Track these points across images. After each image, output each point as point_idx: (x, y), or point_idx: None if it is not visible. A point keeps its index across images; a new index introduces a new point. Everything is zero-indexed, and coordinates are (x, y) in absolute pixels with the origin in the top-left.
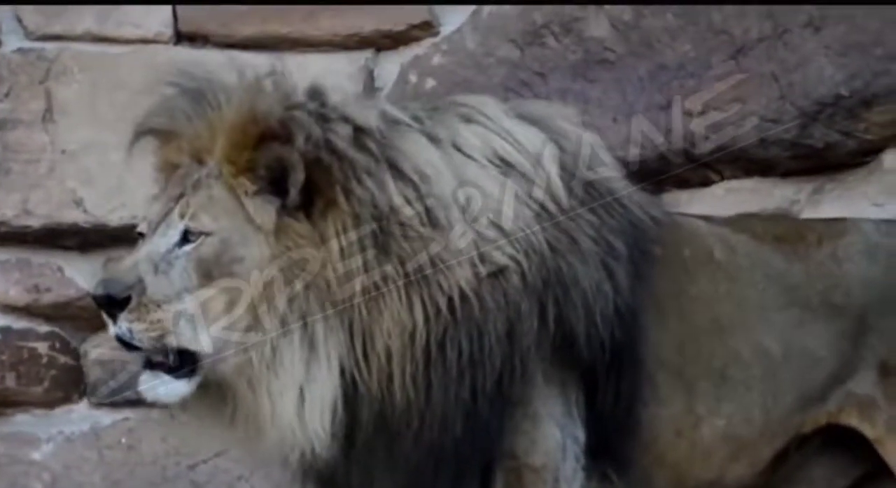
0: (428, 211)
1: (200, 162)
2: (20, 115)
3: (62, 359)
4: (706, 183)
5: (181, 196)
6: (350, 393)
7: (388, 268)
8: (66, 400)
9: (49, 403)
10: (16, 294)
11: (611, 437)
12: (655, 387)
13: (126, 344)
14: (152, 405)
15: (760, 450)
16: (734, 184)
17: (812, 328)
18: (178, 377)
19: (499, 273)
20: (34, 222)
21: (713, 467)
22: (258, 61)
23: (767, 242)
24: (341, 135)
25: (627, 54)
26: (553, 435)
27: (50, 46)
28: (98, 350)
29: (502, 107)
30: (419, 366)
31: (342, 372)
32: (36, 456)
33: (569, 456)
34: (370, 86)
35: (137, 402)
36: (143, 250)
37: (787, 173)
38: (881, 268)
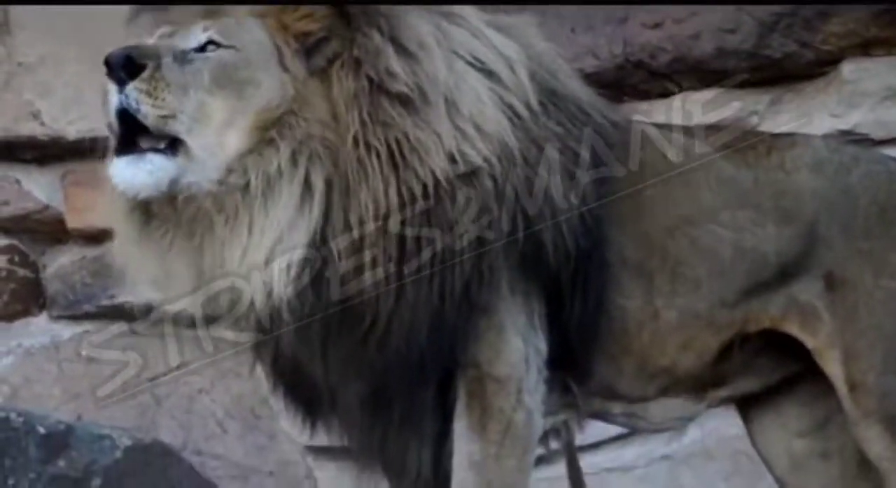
0: (418, 86)
1: (214, 19)
2: None
3: (21, 272)
4: (665, 94)
5: (198, 21)
6: (317, 263)
7: (372, 138)
8: (26, 313)
9: (8, 316)
10: None
11: (574, 346)
12: (620, 285)
13: (125, 117)
14: (113, 317)
15: (708, 341)
16: (693, 95)
17: (764, 230)
18: (163, 154)
19: (472, 174)
20: None
21: (668, 354)
22: None
23: (717, 149)
24: None
25: None
26: (517, 346)
27: None
28: (57, 263)
29: (475, 11)
30: (392, 260)
31: (319, 232)
32: None
33: (532, 367)
34: None
35: (97, 315)
36: (161, 42)
37: (745, 84)
38: (829, 182)
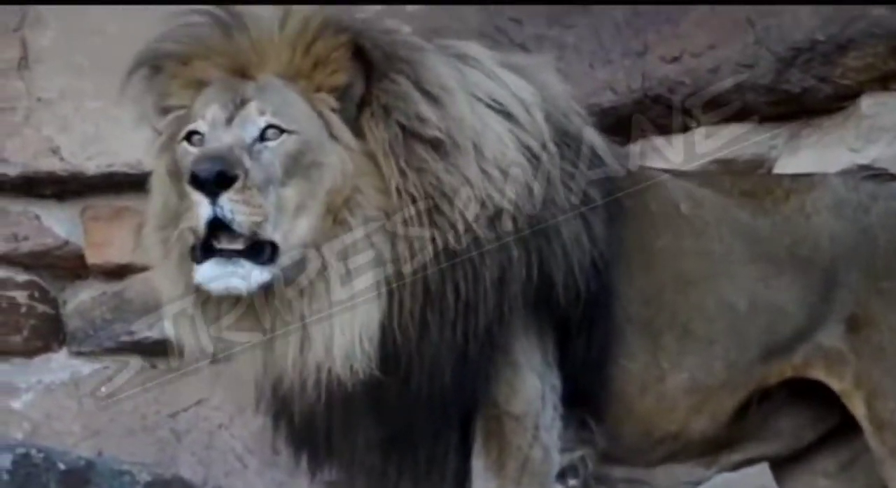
0: (448, 130)
1: (245, 76)
2: None
3: (41, 307)
4: (683, 129)
5: (246, 99)
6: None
7: (412, 187)
8: (46, 349)
9: (28, 352)
10: None
11: (585, 387)
12: (624, 341)
13: (219, 226)
14: (134, 353)
15: (723, 402)
16: (711, 129)
17: (779, 281)
18: (260, 263)
19: (495, 216)
20: (11, 170)
21: (677, 419)
22: None
23: (734, 197)
24: (399, 42)
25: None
26: (533, 384)
27: None
28: (77, 299)
29: (488, 52)
30: (418, 303)
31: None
32: (16, 405)
33: (548, 405)
34: None
35: (117, 351)
36: (227, 138)
37: (763, 119)
38: (849, 223)
